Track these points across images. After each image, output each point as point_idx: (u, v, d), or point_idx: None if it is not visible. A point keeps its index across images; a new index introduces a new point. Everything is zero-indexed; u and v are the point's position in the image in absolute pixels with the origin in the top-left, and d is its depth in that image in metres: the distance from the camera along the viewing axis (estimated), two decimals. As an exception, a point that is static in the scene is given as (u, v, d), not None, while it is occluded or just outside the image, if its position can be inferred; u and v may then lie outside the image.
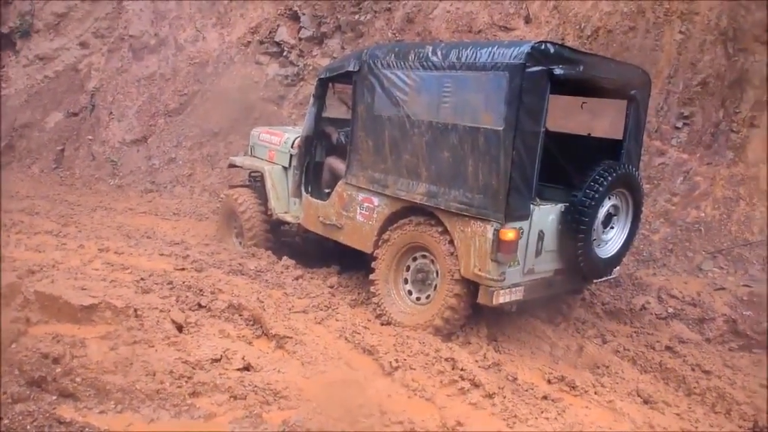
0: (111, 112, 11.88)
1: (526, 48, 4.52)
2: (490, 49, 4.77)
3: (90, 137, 11.72)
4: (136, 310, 4.56)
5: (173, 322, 4.56)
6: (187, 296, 5.13)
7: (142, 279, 5.37)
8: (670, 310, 6.47)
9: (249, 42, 11.85)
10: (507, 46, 4.72)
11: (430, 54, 5.19)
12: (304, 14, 11.42)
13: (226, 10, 12.23)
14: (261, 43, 11.73)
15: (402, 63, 5.39)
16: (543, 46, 4.57)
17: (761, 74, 7.91)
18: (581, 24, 9.12)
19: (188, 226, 8.58)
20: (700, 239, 7.50)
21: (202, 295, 5.22)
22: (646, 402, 4.65)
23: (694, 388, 4.97)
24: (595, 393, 4.60)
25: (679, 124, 8.24)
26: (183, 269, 5.94)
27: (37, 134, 11.83)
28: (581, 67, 4.80)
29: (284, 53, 11.52)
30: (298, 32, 11.50)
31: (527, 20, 9.55)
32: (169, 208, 9.57)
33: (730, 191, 7.70)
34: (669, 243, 7.56)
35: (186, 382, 3.79)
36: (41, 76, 12.26)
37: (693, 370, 5.31)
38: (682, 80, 8.34)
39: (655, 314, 6.41)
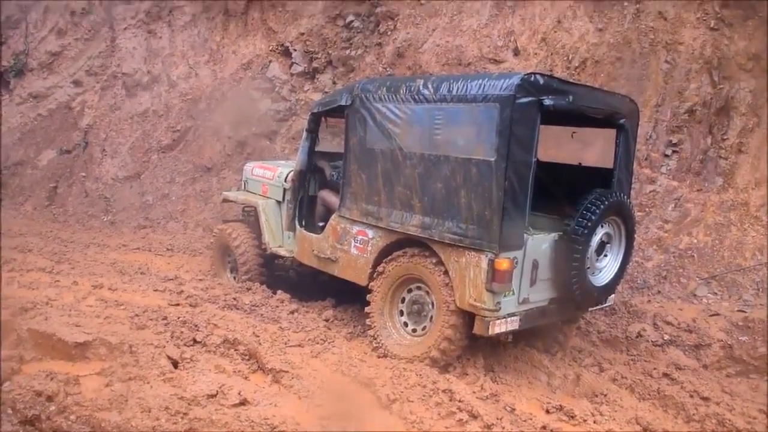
0: (104, 149, 11.93)
1: (516, 80, 4.59)
2: (480, 81, 4.84)
3: (83, 174, 11.74)
4: (131, 347, 4.53)
5: (169, 357, 4.52)
6: (182, 332, 5.10)
7: (136, 315, 5.35)
8: (666, 336, 6.47)
9: (241, 78, 11.98)
10: (497, 78, 4.80)
11: (421, 87, 5.26)
12: (295, 50, 11.58)
13: (218, 47, 12.38)
14: (253, 78, 11.86)
15: (393, 96, 5.46)
16: (532, 78, 4.65)
17: (746, 101, 8.06)
18: (569, 55, 9.28)
19: (182, 262, 8.56)
20: (694, 265, 7.54)
21: (197, 330, 5.18)
22: (645, 430, 4.62)
23: (693, 414, 4.95)
24: (594, 422, 4.57)
25: (668, 152, 8.35)
26: (178, 305, 5.91)
27: (30, 172, 11.85)
28: (570, 98, 4.87)
29: (276, 89, 11.64)
30: (290, 68, 11.65)
31: (516, 52, 9.71)
32: (162, 244, 9.55)
33: (721, 217, 7.77)
34: (663, 270, 7.59)
35: (182, 418, 3.74)
36: (34, 114, 12.33)
37: (691, 396, 5.29)
38: (669, 108, 8.47)
39: (652, 341, 6.40)
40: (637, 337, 6.44)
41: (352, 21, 11.22)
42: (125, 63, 12.46)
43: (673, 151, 8.34)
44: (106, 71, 12.54)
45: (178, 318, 5.39)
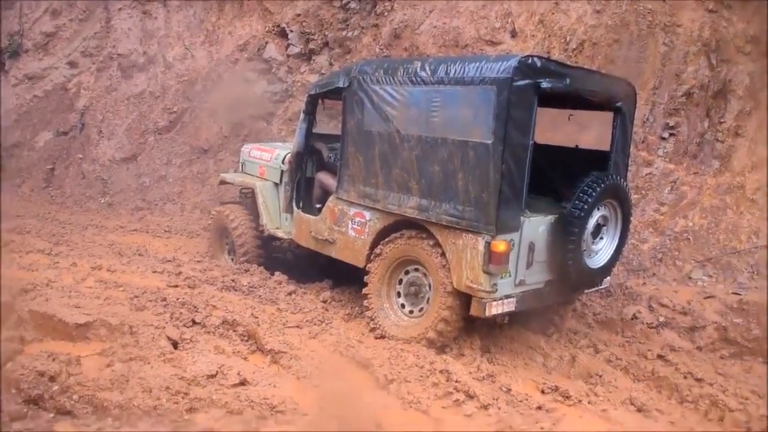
0: (101, 131, 11.89)
1: (513, 62, 4.59)
2: (477, 63, 4.85)
3: (80, 156, 11.71)
4: (131, 327, 4.57)
5: (168, 338, 4.56)
6: (181, 313, 5.14)
7: (135, 296, 5.38)
8: (661, 318, 6.52)
9: (237, 59, 11.91)
10: (494, 60, 4.80)
11: (418, 69, 5.25)
12: (292, 31, 11.50)
13: (214, 28, 12.30)
14: (249, 60, 11.80)
15: (391, 78, 5.46)
16: (530, 60, 4.65)
17: (744, 84, 8.06)
18: (566, 37, 9.25)
19: (180, 243, 8.58)
20: (689, 248, 7.58)
21: (196, 311, 5.22)
22: (639, 410, 4.68)
23: (687, 395, 5.01)
24: (589, 402, 4.64)
25: (665, 135, 8.36)
26: (176, 286, 5.94)
27: (27, 153, 11.81)
28: (568, 80, 4.88)
29: (273, 70, 11.58)
30: (287, 49, 11.58)
31: (513, 34, 9.67)
32: (160, 226, 9.57)
33: (717, 200, 7.80)
34: (658, 252, 7.64)
35: (183, 398, 3.80)
36: (30, 96, 12.25)
37: (685, 378, 5.35)
38: (667, 91, 8.47)
39: (647, 323, 6.45)
40: (632, 319, 6.50)
41: (348, 2, 11.14)
42: (120, 44, 12.38)
43: (670, 134, 8.34)
44: (102, 52, 12.46)
45: (177, 299, 5.42)
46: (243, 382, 4.18)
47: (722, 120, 8.12)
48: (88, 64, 12.42)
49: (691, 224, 7.76)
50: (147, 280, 6.10)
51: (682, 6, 8.58)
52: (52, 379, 3.72)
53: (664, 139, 8.36)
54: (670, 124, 8.35)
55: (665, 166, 8.23)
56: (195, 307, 5.32)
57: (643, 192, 8.12)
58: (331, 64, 11.03)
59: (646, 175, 8.24)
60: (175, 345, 4.60)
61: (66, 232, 8.57)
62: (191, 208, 10.63)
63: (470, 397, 4.34)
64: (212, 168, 11.07)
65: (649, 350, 5.90)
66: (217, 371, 4.22)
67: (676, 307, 6.60)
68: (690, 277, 7.27)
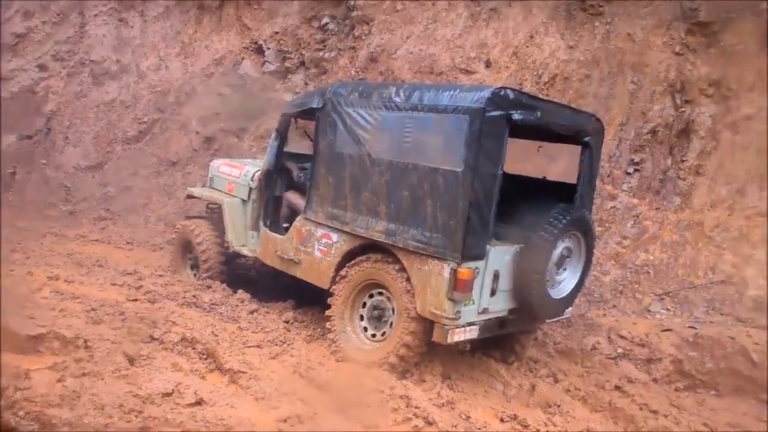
0: (67, 137, 11.70)
1: (486, 93, 4.66)
2: (451, 92, 4.91)
3: (43, 161, 11.48)
4: (86, 341, 4.45)
5: (125, 354, 4.45)
6: (139, 328, 5.02)
7: (93, 309, 5.25)
8: (620, 350, 6.61)
9: (212, 73, 11.88)
10: (468, 90, 4.87)
11: (393, 94, 5.30)
12: (269, 48, 11.54)
13: (190, 41, 12.26)
14: (224, 74, 11.78)
15: (365, 102, 5.49)
16: (503, 92, 4.72)
17: (706, 125, 8.31)
18: (539, 71, 9.44)
19: (142, 256, 8.44)
20: (649, 281, 7.73)
21: (155, 327, 5.11)
22: (596, 441, 4.74)
23: (642, 427, 5.09)
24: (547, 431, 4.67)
25: (630, 170, 8.55)
26: (136, 300, 5.83)
27: (-12, 156, 11.54)
28: (539, 113, 4.96)
29: (247, 86, 11.57)
30: (262, 66, 11.60)
31: (487, 65, 9.83)
32: (122, 237, 9.41)
33: (677, 235, 7.98)
34: (619, 285, 7.77)
35: (136, 416, 3.70)
36: (-4, 97, 12.02)
37: (641, 409, 5.43)
38: (633, 128, 8.69)
39: (605, 354, 6.54)
40: (591, 349, 6.58)
41: (327, 23, 11.23)
42: (94, 50, 12.25)
43: (635, 170, 8.54)
44: (74, 57, 12.31)
45: (136, 314, 5.31)
46: (200, 402, 4.09)
47: (684, 158, 8.34)
48: (59, 69, 12.25)
49: (651, 258, 7.92)
50: (106, 292, 5.97)
51: (651, 47, 8.85)
52: (-2, 393, 3.59)
53: (629, 174, 8.56)
54: (635, 160, 8.55)
55: (629, 200, 8.41)
56: (154, 322, 5.21)
57: (607, 225, 8.28)
58: (306, 84, 11.07)
59: (610, 208, 8.40)
60: (131, 361, 4.48)
61: (23, 238, 8.37)
62: (155, 221, 10.47)
63: (429, 423, 4.32)
64: (180, 181, 10.95)
65: (607, 381, 5.98)
66: (173, 389, 4.12)
67: (634, 339, 6.70)
68: (649, 310, 7.40)
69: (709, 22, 8.56)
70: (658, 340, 6.70)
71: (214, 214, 7.39)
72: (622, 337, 6.76)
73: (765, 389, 6.19)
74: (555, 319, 5.94)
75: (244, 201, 7.01)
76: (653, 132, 8.55)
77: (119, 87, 12.05)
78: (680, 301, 7.46)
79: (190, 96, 11.74)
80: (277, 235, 6.41)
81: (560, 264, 5.40)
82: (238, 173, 7.18)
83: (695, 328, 6.83)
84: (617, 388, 5.87)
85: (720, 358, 6.44)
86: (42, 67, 12.22)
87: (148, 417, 3.73)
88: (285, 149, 6.75)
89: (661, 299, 7.52)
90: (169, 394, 4.07)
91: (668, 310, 7.41)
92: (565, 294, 5.52)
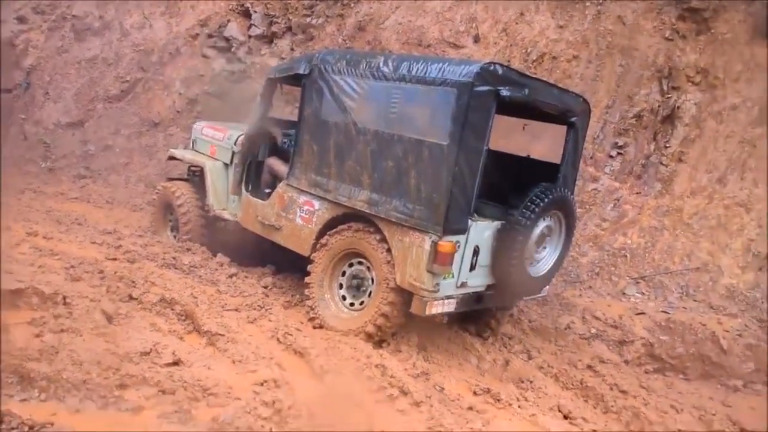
0: (47, 92, 11.43)
1: (475, 68, 4.64)
2: (440, 65, 4.87)
3: (23, 116, 11.23)
4: (65, 298, 4.41)
5: (103, 312, 4.43)
6: (118, 287, 5.01)
7: (72, 266, 5.21)
8: (593, 330, 6.72)
9: (197, 34, 11.64)
10: (457, 63, 4.84)
11: (381, 64, 5.25)
12: (255, 12, 11.33)
13: (175, 0, 12.00)
14: (209, 36, 11.55)
15: (353, 70, 5.43)
16: (492, 67, 4.70)
17: (691, 113, 8.36)
18: (528, 48, 9.40)
19: (121, 216, 8.36)
20: (625, 265, 7.83)
21: (134, 286, 5.09)
22: (566, 417, 4.82)
23: (612, 406, 5.19)
24: (519, 406, 4.75)
25: (613, 153, 8.60)
26: (115, 259, 5.79)
27: (-36, 109, 11.28)
28: (527, 91, 4.96)
29: (232, 49, 11.38)
30: (248, 29, 11.40)
31: (476, 39, 9.77)
32: (102, 196, 9.30)
33: (655, 221, 8.08)
34: (596, 266, 7.86)
35: (114, 373, 3.69)
36: (-27, 49, 11.70)
37: (611, 389, 5.54)
38: (618, 111, 8.72)
39: (579, 334, 6.64)
40: (565, 328, 6.67)
41: (316, -11, 11.05)
42: (76, 5, 11.92)
43: (618, 153, 8.60)
44: (55, 11, 11.96)
45: (115, 273, 5.28)
46: (177, 362, 4.10)
47: (668, 144, 8.40)
48: (39, 22, 11.91)
49: (629, 242, 8.01)
50: (85, 250, 5.91)
51: (641, 31, 8.85)
52: (-24, 346, 3.56)
53: (611, 157, 8.61)
54: (619, 144, 8.60)
55: (610, 183, 8.47)
56: (133, 282, 5.19)
57: (587, 207, 8.34)
58: (292, 50, 10.92)
59: (592, 190, 8.46)
60: (109, 319, 4.46)
61: (1, 194, 8.22)
62: (136, 181, 10.35)
63: (404, 393, 4.37)
64: (161, 142, 10.80)
65: (580, 360, 6.09)
66: (151, 349, 4.12)
67: (608, 321, 6.81)
68: (624, 293, 7.51)
69: (701, 8, 8.58)
70: (631, 322, 6.81)
71: (196, 177, 7.33)
72: (596, 318, 6.86)
73: (731, 375, 6.37)
74: (531, 297, 6.00)
75: (226, 165, 6.95)
76: (638, 116, 8.59)
77: (102, 44, 11.76)
78: (655, 285, 7.58)
79: (174, 56, 11.51)
80: (259, 201, 6.37)
81: (540, 242, 5.44)
82: (221, 136, 7.10)
83: (668, 313, 6.96)
84: (589, 367, 5.98)
85: (690, 344, 6.59)
86: (21, 20, 11.87)
87: (125, 374, 3.73)
88: (269, 115, 6.68)
89: (637, 283, 7.63)
90: (147, 353, 4.07)
91: (643, 294, 7.52)
92: (543, 272, 5.57)
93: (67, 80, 11.54)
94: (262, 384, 4.03)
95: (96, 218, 7.83)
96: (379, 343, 5.17)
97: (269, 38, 11.25)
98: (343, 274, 5.53)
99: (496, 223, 5.18)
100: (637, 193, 8.35)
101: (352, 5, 10.73)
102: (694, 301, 7.32)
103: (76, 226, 7.09)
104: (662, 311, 7.03)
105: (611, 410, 5.15)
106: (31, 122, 11.17)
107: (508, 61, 9.21)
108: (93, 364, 3.69)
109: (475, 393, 4.82)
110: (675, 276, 7.60)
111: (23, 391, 3.42)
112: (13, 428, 3.09)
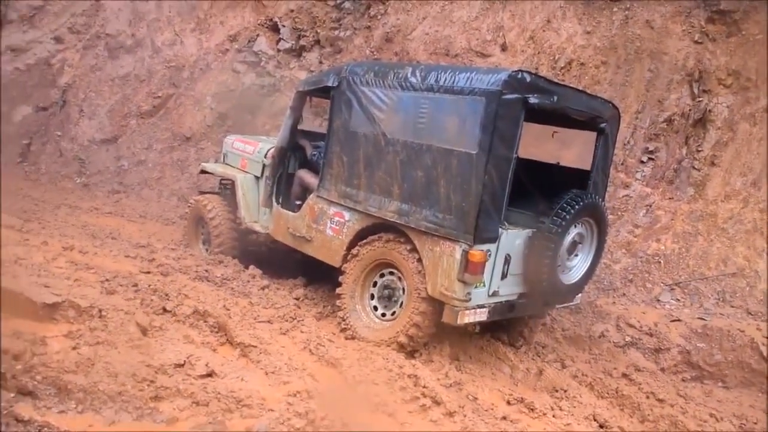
0: (82, 110, 11.71)
1: (503, 76, 4.64)
2: (468, 74, 4.89)
3: (58, 133, 11.52)
4: (100, 311, 4.49)
5: (138, 324, 4.50)
6: (152, 300, 5.08)
7: (106, 280, 5.30)
8: (628, 338, 6.63)
9: (227, 49, 11.85)
10: (485, 72, 4.85)
11: (409, 75, 5.28)
12: (284, 26, 11.48)
13: (206, 16, 12.21)
14: (239, 51, 11.74)
15: (381, 81, 5.47)
16: (520, 75, 4.70)
17: (723, 116, 8.24)
18: (555, 55, 9.36)
19: (154, 230, 8.49)
20: (659, 271, 7.72)
21: (167, 299, 5.16)
22: (601, 426, 4.75)
23: (648, 415, 5.10)
24: (553, 416, 4.70)
25: (644, 159, 8.51)
26: (149, 272, 5.87)
27: (3, 127, 11.57)
28: (555, 98, 4.94)
29: (262, 63, 11.54)
30: (277, 43, 11.55)
31: (503, 48, 9.76)
32: (135, 210, 9.47)
33: (689, 226, 7.96)
34: (629, 273, 7.76)
35: (148, 385, 3.75)
36: (11, 68, 12.01)
37: (647, 397, 5.45)
38: (649, 116, 8.63)
39: (613, 342, 6.56)
40: (600, 337, 6.60)
41: (343, 2, 11.17)
42: (109, 24, 12.21)
43: (649, 158, 8.50)
44: (89, 30, 12.27)
45: (149, 286, 5.36)
46: (210, 374, 4.15)
47: (700, 149, 8.29)
48: (75, 41, 12.23)
49: (663, 248, 7.90)
50: (119, 264, 6.02)
51: (670, 35, 8.76)
52: (16, 357, 3.63)
53: (642, 162, 8.51)
54: (650, 149, 8.50)
55: (642, 189, 8.38)
56: (167, 294, 5.26)
57: (619, 213, 8.25)
58: (321, 62, 11.03)
59: (623, 196, 8.37)
60: (144, 332, 4.53)
61: (38, 209, 8.43)
62: (168, 195, 10.53)
63: (437, 403, 4.36)
64: (193, 156, 10.98)
65: (615, 368, 6.01)
66: (185, 361, 4.18)
67: (643, 328, 6.71)
68: (658, 300, 7.40)
69: (730, 10, 8.47)
70: (666, 330, 6.71)
71: (227, 190, 7.43)
72: (630, 325, 6.78)
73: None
74: (564, 305, 5.95)
75: (257, 177, 7.03)
76: (669, 121, 8.49)
77: (134, 61, 12.03)
78: (690, 292, 7.46)
79: (205, 72, 11.73)
80: (290, 213, 6.43)
81: (572, 250, 5.40)
82: (251, 150, 7.20)
83: (704, 320, 6.83)
84: (624, 375, 5.90)
85: (728, 350, 6.46)
86: (58, 39, 12.20)
87: (160, 386, 3.79)
88: (299, 127, 6.75)
89: (671, 289, 7.52)
90: (180, 365, 4.13)
91: (678, 300, 7.40)
92: (575, 280, 5.52)
93: (101, 97, 11.81)
94: (294, 395, 4.05)
95: (130, 232, 7.98)
96: (411, 354, 5.17)
97: (298, 52, 11.38)
98: (375, 284, 5.55)
99: (527, 231, 5.16)
100: (670, 198, 8.24)
101: (380, 17, 10.82)
102: (731, 307, 7.18)
103: (111, 240, 7.22)
104: (698, 318, 6.91)
105: (648, 419, 5.07)
106: (67, 139, 11.44)
107: (536, 69, 9.19)
108: (128, 376, 3.75)
109: (508, 402, 4.79)
110: (711, 282, 7.47)
111: (61, 402, 3.49)
112: (51, 439, 3.17)
